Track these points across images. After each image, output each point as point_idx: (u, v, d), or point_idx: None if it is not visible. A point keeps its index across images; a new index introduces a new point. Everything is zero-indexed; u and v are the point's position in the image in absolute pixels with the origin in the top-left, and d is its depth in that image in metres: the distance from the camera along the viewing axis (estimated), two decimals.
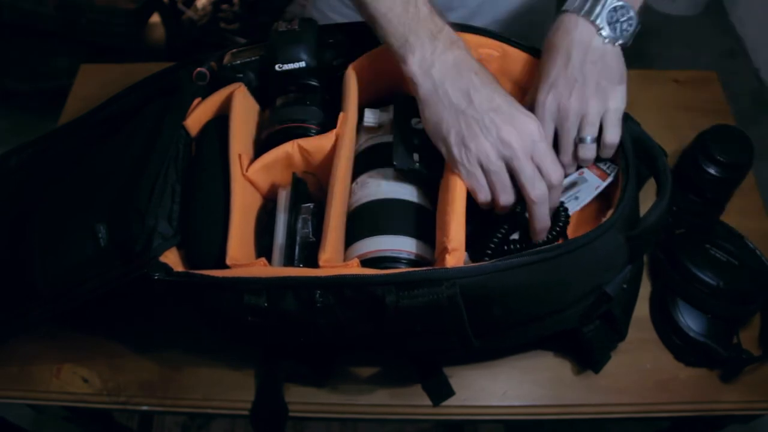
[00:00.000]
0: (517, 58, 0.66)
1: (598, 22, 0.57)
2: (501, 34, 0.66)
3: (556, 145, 0.60)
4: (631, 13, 0.58)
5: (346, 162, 0.60)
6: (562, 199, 0.61)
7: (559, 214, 0.59)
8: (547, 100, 0.58)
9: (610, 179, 0.62)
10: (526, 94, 0.69)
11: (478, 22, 0.77)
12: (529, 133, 0.54)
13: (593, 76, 0.58)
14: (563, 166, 0.58)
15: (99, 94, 0.74)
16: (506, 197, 0.56)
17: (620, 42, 0.58)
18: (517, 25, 0.83)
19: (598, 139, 0.60)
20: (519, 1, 0.83)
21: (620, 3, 0.58)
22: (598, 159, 0.63)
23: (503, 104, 0.55)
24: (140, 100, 0.70)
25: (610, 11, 0.57)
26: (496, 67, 0.68)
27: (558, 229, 0.58)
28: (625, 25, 0.58)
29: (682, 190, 0.71)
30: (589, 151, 0.60)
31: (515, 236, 0.61)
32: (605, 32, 0.57)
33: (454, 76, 0.55)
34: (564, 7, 0.59)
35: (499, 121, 0.54)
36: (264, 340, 0.62)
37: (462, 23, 0.67)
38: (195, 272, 0.54)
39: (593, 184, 0.63)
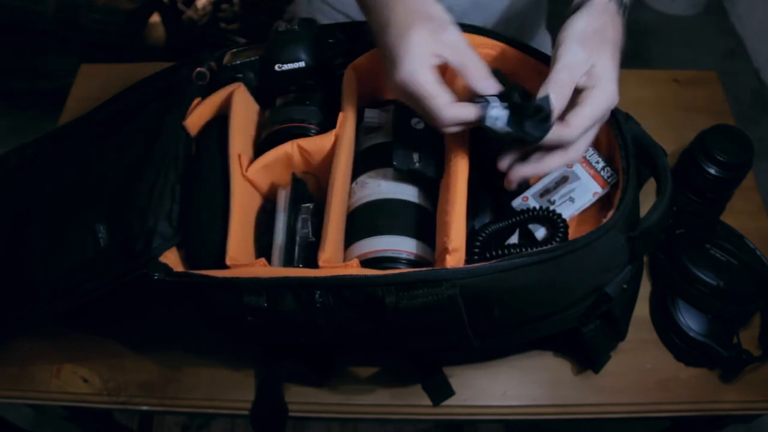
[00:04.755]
0: (516, 58, 0.66)
1: None
2: (500, 33, 0.66)
3: None
4: None
5: (345, 162, 0.60)
6: (555, 197, 0.61)
7: (557, 225, 0.59)
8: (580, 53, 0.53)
9: (608, 189, 0.63)
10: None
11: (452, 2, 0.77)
12: None
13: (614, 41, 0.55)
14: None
15: (99, 94, 0.74)
16: None
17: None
18: (507, 29, 0.82)
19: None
20: (508, 6, 0.83)
21: None
22: (599, 165, 0.63)
23: None
24: (140, 100, 0.70)
25: None
26: (494, 66, 0.68)
27: (557, 240, 0.58)
28: None
29: (682, 190, 0.72)
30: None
31: (513, 240, 0.61)
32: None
33: None
34: None
35: None
36: (264, 340, 0.62)
37: (462, 23, 0.67)
38: (195, 272, 0.54)
39: (590, 188, 0.63)
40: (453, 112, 0.51)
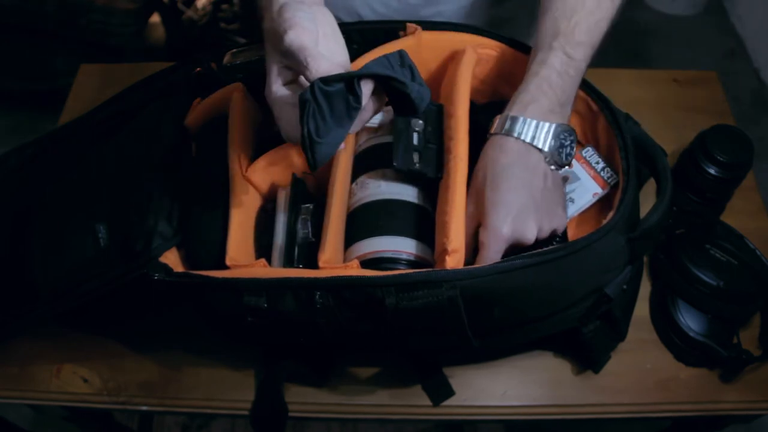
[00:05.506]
0: (517, 59, 0.66)
1: (545, 150, 0.56)
2: (499, 34, 0.66)
3: None
4: (573, 136, 0.57)
5: (345, 162, 0.60)
6: None
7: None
8: (504, 228, 0.53)
9: (608, 190, 0.63)
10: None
11: (442, 8, 0.76)
12: None
13: (549, 203, 0.56)
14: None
15: (99, 94, 0.74)
16: None
17: (563, 168, 0.58)
18: (482, 17, 0.82)
19: None
20: (496, 14, 0.83)
21: (562, 125, 0.56)
22: (599, 165, 0.63)
23: None
24: (140, 100, 0.70)
25: (553, 137, 0.56)
26: (496, 67, 0.68)
27: (557, 241, 0.58)
28: (568, 150, 0.57)
29: (682, 190, 0.71)
30: None
31: None
32: (551, 159, 0.56)
33: None
34: (502, 131, 0.56)
35: None
36: (264, 341, 0.62)
37: (462, 23, 0.67)
38: (194, 273, 0.54)
39: (590, 188, 0.63)
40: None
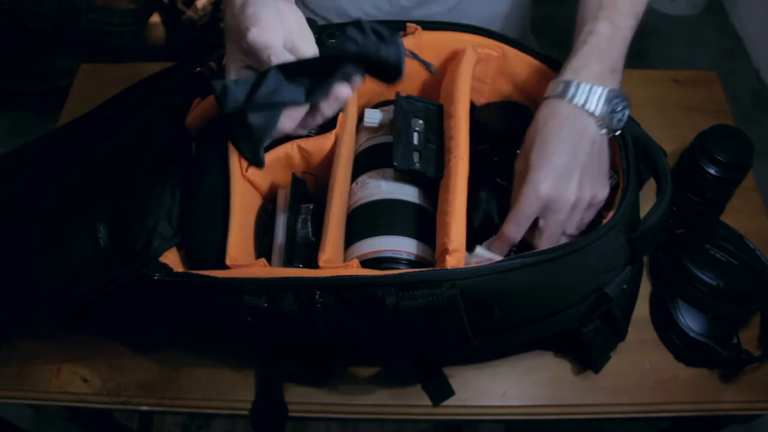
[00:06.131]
0: (517, 58, 0.66)
1: (597, 114, 0.56)
2: (500, 34, 0.66)
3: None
4: (626, 102, 0.57)
5: (345, 162, 0.60)
6: None
7: None
8: (544, 184, 0.54)
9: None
10: (526, 95, 0.69)
11: (432, 9, 0.77)
12: None
13: (593, 168, 0.56)
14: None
15: (99, 94, 0.74)
16: None
17: (615, 133, 0.58)
18: (472, 17, 0.81)
19: None
20: (488, 12, 0.83)
21: (615, 91, 0.56)
22: None
23: None
24: (140, 100, 0.70)
25: (606, 102, 0.56)
26: (496, 67, 0.68)
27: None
28: (620, 115, 0.57)
29: (682, 190, 0.71)
30: (560, 239, 0.58)
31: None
32: (602, 124, 0.56)
33: None
34: (554, 94, 0.57)
35: None
36: (264, 341, 0.62)
37: (463, 24, 0.67)
38: (195, 273, 0.54)
39: None
40: None
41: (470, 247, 0.56)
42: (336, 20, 0.81)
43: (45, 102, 1.24)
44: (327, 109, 0.52)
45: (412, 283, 0.50)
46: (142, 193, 0.59)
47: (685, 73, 0.87)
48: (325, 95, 0.49)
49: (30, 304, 0.60)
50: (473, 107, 0.62)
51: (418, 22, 0.66)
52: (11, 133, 1.73)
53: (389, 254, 0.57)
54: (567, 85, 0.56)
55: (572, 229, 0.57)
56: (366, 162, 0.63)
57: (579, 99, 0.56)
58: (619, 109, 0.57)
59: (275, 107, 0.48)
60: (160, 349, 0.67)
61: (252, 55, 0.49)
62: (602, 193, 0.57)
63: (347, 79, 0.49)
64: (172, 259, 0.57)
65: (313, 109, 0.52)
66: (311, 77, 0.47)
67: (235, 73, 0.51)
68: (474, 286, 0.50)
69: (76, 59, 0.96)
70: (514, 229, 0.55)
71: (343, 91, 0.50)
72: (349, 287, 0.51)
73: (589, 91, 0.56)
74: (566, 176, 0.54)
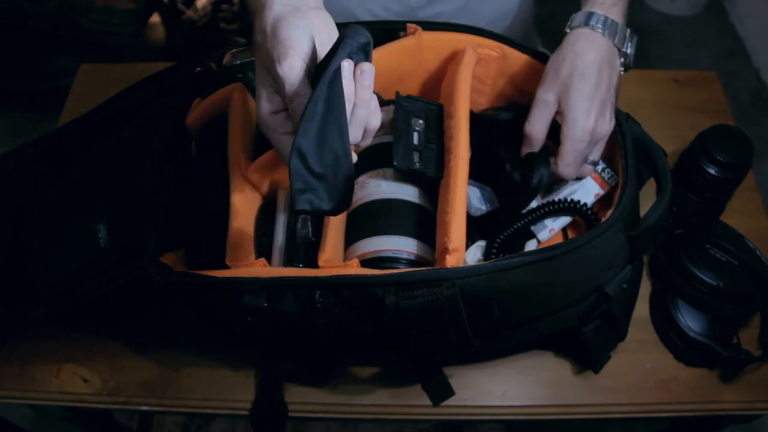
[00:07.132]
0: (517, 59, 0.66)
1: (628, 52, 0.59)
2: (501, 34, 0.66)
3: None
4: (635, 39, 0.60)
5: None
6: (560, 197, 0.62)
7: (583, 212, 0.61)
8: (590, 119, 0.57)
9: (608, 190, 0.63)
10: (526, 95, 0.69)
11: (441, 8, 0.77)
12: None
13: (614, 101, 0.60)
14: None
15: (99, 94, 0.74)
16: None
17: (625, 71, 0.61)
18: (479, 16, 0.82)
19: None
20: (495, 10, 0.83)
21: (635, 34, 0.60)
22: (600, 166, 0.63)
23: None
24: (140, 100, 0.70)
25: (630, 42, 0.59)
26: (496, 67, 0.68)
27: (594, 223, 0.60)
28: (632, 55, 0.60)
29: (682, 190, 0.71)
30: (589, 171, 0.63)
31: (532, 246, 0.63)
32: (624, 62, 0.60)
33: None
34: (591, 25, 0.59)
35: None
36: (264, 341, 0.62)
37: (462, 24, 0.67)
38: (194, 272, 0.54)
39: (592, 189, 0.63)
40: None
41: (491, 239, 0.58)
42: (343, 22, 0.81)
43: (45, 102, 1.24)
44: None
45: (412, 283, 0.50)
46: (141, 193, 0.59)
47: (685, 73, 0.87)
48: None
49: (30, 304, 0.60)
50: (471, 114, 0.63)
51: (419, 23, 0.66)
52: (11, 133, 1.73)
53: (389, 254, 0.57)
54: (604, 21, 0.58)
55: (597, 155, 0.61)
56: (366, 162, 0.63)
57: (616, 37, 0.58)
58: (633, 49, 0.60)
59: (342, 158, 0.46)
60: (160, 349, 0.67)
61: (282, 86, 0.47)
62: (611, 128, 0.60)
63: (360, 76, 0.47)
64: (172, 259, 0.57)
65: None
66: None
67: (266, 98, 0.49)
68: (474, 285, 0.50)
69: (76, 59, 0.96)
70: (573, 168, 0.59)
71: (373, 120, 0.49)
72: (349, 287, 0.51)
73: (623, 30, 0.59)
74: (603, 110, 0.58)
